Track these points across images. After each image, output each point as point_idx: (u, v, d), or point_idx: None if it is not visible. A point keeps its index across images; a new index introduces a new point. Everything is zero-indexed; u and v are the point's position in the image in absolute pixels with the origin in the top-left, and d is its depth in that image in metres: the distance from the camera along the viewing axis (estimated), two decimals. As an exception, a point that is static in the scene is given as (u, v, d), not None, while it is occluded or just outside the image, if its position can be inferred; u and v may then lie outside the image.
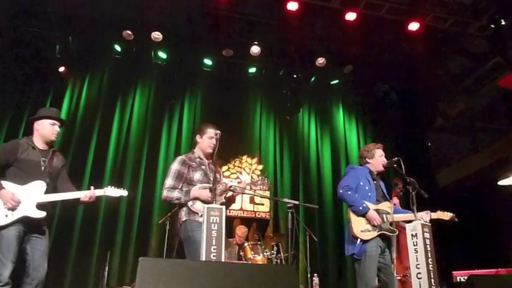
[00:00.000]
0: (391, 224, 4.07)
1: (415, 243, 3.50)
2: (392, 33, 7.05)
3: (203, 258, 3.06)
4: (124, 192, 3.95)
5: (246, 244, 6.32)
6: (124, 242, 7.08)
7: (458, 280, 4.98)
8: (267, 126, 8.77)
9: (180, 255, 3.74)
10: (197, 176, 3.80)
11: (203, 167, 3.87)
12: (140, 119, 7.99)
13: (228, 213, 5.50)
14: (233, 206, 6.43)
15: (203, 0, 6.72)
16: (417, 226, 3.54)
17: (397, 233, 4.16)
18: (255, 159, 8.41)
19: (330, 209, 8.21)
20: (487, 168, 7.06)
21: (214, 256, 3.07)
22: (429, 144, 8.30)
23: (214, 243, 3.11)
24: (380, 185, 4.35)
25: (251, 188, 7.02)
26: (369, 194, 4.14)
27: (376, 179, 4.30)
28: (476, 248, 6.23)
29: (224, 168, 8.04)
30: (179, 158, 3.92)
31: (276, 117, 8.86)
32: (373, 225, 3.98)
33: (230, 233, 6.72)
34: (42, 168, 3.61)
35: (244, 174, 8.25)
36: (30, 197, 3.49)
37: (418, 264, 3.42)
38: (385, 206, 4.16)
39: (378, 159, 4.29)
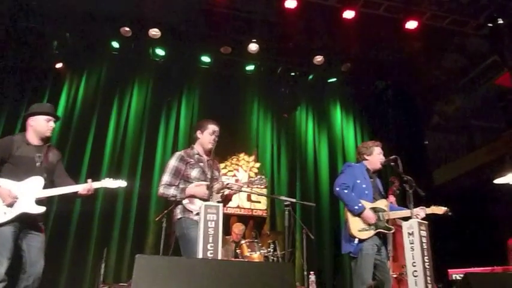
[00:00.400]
0: (387, 221, 4.09)
1: (411, 242, 3.50)
2: (390, 32, 7.05)
3: (200, 255, 3.05)
4: (122, 183, 3.88)
5: (242, 242, 6.31)
6: (121, 239, 7.08)
7: (454, 278, 5.00)
8: (265, 123, 8.77)
9: (177, 253, 3.73)
10: (194, 173, 3.78)
11: (201, 164, 3.85)
12: (137, 116, 7.98)
13: (225, 211, 5.49)
14: (230, 204, 6.44)
15: (201, -3, 6.72)
16: (414, 224, 3.55)
17: (393, 230, 4.17)
18: (252, 157, 8.41)
19: (326, 207, 8.22)
20: (483, 167, 7.08)
21: (211, 254, 3.06)
22: (426, 142, 8.31)
23: (211, 241, 3.09)
24: (377, 183, 4.35)
25: (248, 187, 7.01)
26: (366, 191, 4.14)
27: (372, 177, 4.30)
28: (472, 246, 6.26)
29: (221, 165, 8.02)
30: (177, 154, 3.89)
31: (273, 114, 8.85)
32: (369, 224, 4.00)
33: (227, 230, 6.72)
34: (38, 164, 3.59)
35: (241, 171, 8.25)
36: (28, 193, 3.48)
37: (414, 262, 3.42)
38: (381, 203, 4.17)
39: (376, 156, 4.30)
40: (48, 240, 6.09)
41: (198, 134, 3.97)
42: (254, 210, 8.03)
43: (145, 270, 2.24)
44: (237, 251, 6.28)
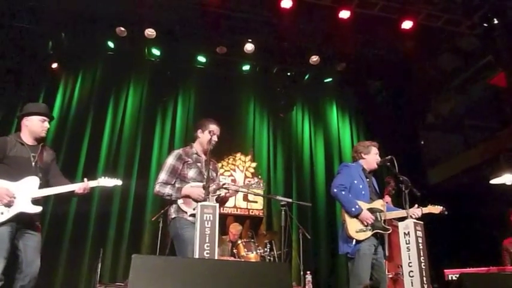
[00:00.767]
0: (384, 222, 4.10)
1: (407, 242, 3.52)
2: (386, 31, 7.07)
3: (196, 255, 3.06)
4: (118, 182, 3.89)
5: (239, 241, 6.32)
6: (117, 239, 7.07)
7: (449, 278, 5.01)
8: (261, 123, 8.77)
9: (174, 253, 3.73)
10: (191, 173, 3.77)
11: (199, 164, 3.84)
12: (133, 116, 7.97)
13: (222, 211, 5.49)
14: (227, 204, 6.43)
15: (197, -3, 6.71)
16: (410, 224, 3.56)
17: (390, 230, 4.18)
18: (249, 157, 8.41)
19: (322, 207, 8.24)
20: (478, 167, 7.11)
21: (207, 253, 3.07)
22: (422, 142, 8.34)
23: (207, 241, 3.11)
24: (373, 182, 4.37)
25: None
26: (363, 192, 4.16)
27: (368, 177, 4.32)
28: (468, 246, 6.28)
29: (218, 165, 8.03)
30: (175, 152, 3.88)
31: (269, 114, 8.86)
32: (366, 225, 4.01)
33: (223, 230, 6.72)
34: (33, 163, 3.58)
35: (238, 171, 8.24)
36: (24, 193, 3.47)
37: (410, 263, 3.43)
38: (378, 204, 4.19)
39: (373, 156, 4.32)
40: (44, 240, 6.02)
41: (199, 133, 3.95)
42: (251, 210, 8.03)
43: (141, 270, 2.24)
44: (234, 250, 6.29)
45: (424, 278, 3.34)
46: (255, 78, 8.61)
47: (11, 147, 3.54)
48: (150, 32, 7.24)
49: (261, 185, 4.08)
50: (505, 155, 6.48)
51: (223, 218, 7.22)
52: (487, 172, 6.55)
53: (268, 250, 6.26)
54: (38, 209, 3.50)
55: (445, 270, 5.07)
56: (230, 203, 7.71)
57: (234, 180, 8.05)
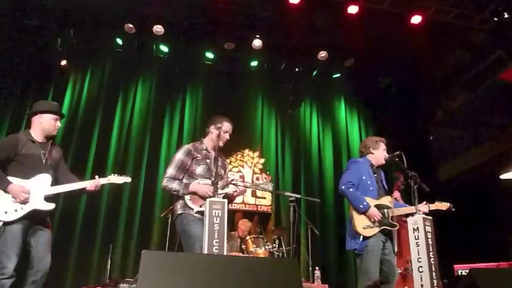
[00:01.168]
0: (391, 218, 4.11)
1: (416, 237, 3.51)
2: (395, 27, 7.01)
3: (205, 251, 3.07)
4: (127, 179, 3.95)
5: (247, 237, 6.32)
6: (126, 235, 7.13)
7: (459, 273, 4.99)
8: (269, 119, 8.77)
9: (183, 249, 3.74)
10: (199, 170, 3.77)
11: (208, 160, 3.83)
12: (142, 113, 8.01)
13: (230, 207, 5.51)
14: (235, 199, 6.45)
15: (205, -6, 6.71)
16: (419, 220, 3.55)
17: (398, 227, 4.19)
18: (257, 153, 8.42)
19: (331, 203, 8.23)
20: (488, 162, 7.04)
21: (216, 249, 3.08)
22: (431, 138, 8.28)
23: (216, 237, 3.11)
24: (381, 178, 4.38)
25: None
26: (371, 188, 4.17)
27: (376, 172, 4.33)
28: (477, 241, 6.24)
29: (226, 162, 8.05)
30: (185, 148, 3.87)
31: (277, 110, 8.86)
32: (374, 221, 4.03)
33: (232, 226, 6.75)
34: (44, 161, 3.61)
35: (246, 168, 8.26)
36: (37, 190, 3.50)
37: (420, 258, 3.42)
38: (385, 200, 4.20)
39: (381, 152, 4.33)
40: (55, 237, 6.13)
41: (212, 128, 3.93)
42: (259, 206, 8.05)
43: (151, 265, 2.24)
44: (243, 246, 6.30)
45: (434, 274, 3.33)
46: (263, 74, 8.59)
47: (23, 145, 3.56)
48: (158, 29, 7.26)
49: (269, 184, 4.07)
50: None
51: (232, 214, 7.25)
52: (497, 168, 6.48)
53: (276, 246, 6.26)
54: (51, 206, 3.54)
55: (455, 266, 5.05)
56: (238, 199, 7.72)
57: (242, 177, 8.06)
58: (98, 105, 7.79)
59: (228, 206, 3.27)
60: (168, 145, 7.88)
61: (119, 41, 7.69)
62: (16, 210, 3.39)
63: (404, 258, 5.20)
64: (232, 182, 3.89)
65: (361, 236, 4.02)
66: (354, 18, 6.68)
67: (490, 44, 6.97)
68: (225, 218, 3.19)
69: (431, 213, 4.01)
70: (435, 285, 3.29)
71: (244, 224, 6.71)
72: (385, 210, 4.10)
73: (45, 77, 7.49)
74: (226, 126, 3.92)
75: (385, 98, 8.76)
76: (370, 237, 4.01)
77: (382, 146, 4.36)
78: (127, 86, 8.11)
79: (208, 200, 3.24)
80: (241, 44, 7.71)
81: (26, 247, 3.44)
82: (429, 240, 3.48)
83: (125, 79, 8.12)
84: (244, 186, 4.08)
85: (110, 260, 6.25)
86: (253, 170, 8.28)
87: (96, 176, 3.79)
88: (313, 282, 6.14)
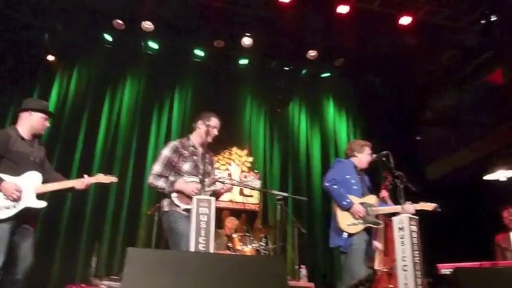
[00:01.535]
0: (376, 216, 4.18)
1: (401, 236, 3.52)
2: (385, 27, 7.05)
3: (192, 249, 3.05)
4: (114, 179, 3.96)
5: (234, 235, 6.33)
6: (112, 233, 7.07)
7: (443, 273, 5.04)
8: (257, 118, 8.76)
9: (169, 246, 3.72)
10: (186, 167, 3.74)
11: (195, 157, 3.80)
12: (130, 110, 7.94)
13: (217, 205, 5.49)
14: (222, 197, 6.44)
15: (195, -9, 6.68)
16: (404, 219, 3.57)
17: (382, 225, 4.30)
18: (245, 151, 8.42)
19: (318, 202, 8.25)
20: (474, 163, 7.13)
21: (203, 247, 3.06)
22: (418, 138, 8.36)
23: (203, 234, 3.10)
24: (364, 180, 4.48)
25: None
26: (355, 187, 4.27)
27: (360, 174, 4.43)
28: (461, 241, 6.31)
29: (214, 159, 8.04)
30: (171, 144, 3.83)
31: (266, 109, 8.85)
32: (358, 218, 4.11)
33: (219, 224, 6.73)
34: (32, 158, 3.58)
35: (234, 166, 8.25)
36: (29, 188, 3.47)
37: (404, 257, 3.44)
38: (370, 199, 4.29)
39: (366, 156, 4.45)
40: (40, 234, 6.10)
41: (199, 124, 3.90)
42: (246, 204, 8.05)
43: (136, 263, 2.23)
44: (229, 244, 6.30)
45: (418, 272, 3.35)
46: (252, 73, 8.57)
47: (13, 142, 3.51)
48: (147, 25, 7.21)
49: (257, 182, 4.08)
50: (500, 152, 6.50)
51: (219, 211, 7.21)
52: (483, 168, 6.57)
53: (263, 244, 6.27)
54: (43, 204, 3.53)
55: (439, 265, 5.10)
56: (226, 197, 7.72)
57: (230, 175, 8.05)
58: (85, 101, 7.70)
59: (215, 203, 3.26)
60: (156, 142, 7.83)
61: (108, 37, 7.62)
62: (8, 208, 3.35)
63: (390, 256, 5.23)
64: (219, 180, 3.87)
65: (345, 233, 4.12)
66: (345, 18, 6.70)
67: (479, 46, 7.05)
68: (212, 216, 3.17)
69: (417, 213, 4.05)
70: (419, 284, 3.31)
71: (231, 222, 6.70)
72: (369, 209, 4.19)
73: (32, 72, 7.38)
74: (214, 121, 3.90)
75: (373, 97, 8.80)
76: (354, 234, 4.11)
77: (367, 151, 4.47)
78: (115, 82, 8.02)
79: (195, 197, 3.22)
80: (231, 42, 7.70)
81: (12, 245, 3.39)
82: (414, 239, 3.49)
83: (113, 76, 8.03)
84: (231, 184, 4.07)
85: (95, 257, 6.20)
86: (241, 168, 8.28)
87: (85, 175, 3.79)
88: (299, 280, 6.16)
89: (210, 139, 3.82)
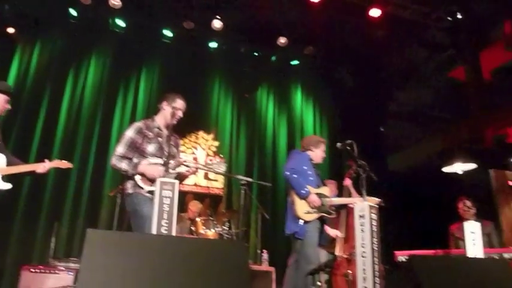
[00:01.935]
0: (329, 207, 4.47)
1: (362, 224, 3.54)
2: (355, 17, 7.10)
3: (154, 231, 3.01)
4: (70, 165, 4.09)
5: (198, 219, 6.31)
6: (73, 214, 6.91)
7: (399, 260, 5.19)
8: (225, 102, 8.70)
9: (131, 229, 3.67)
10: (150, 148, 3.65)
11: (160, 139, 3.72)
12: (94, 89, 7.70)
13: (181, 188, 5.45)
14: (187, 181, 6.39)
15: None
16: (365, 207, 3.63)
17: (334, 215, 4.57)
18: (211, 135, 8.37)
19: (283, 188, 8.28)
20: (434, 156, 7.36)
21: (165, 230, 3.03)
22: (382, 129, 8.53)
23: (165, 217, 3.06)
24: (318, 173, 4.72)
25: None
26: (311, 178, 4.50)
27: (315, 167, 4.66)
28: (418, 230, 6.53)
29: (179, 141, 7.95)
30: (136, 125, 3.74)
31: (234, 94, 8.79)
32: (313, 207, 4.35)
33: (182, 207, 6.69)
34: None
35: (200, 150, 8.19)
36: None
37: (364, 244, 3.46)
38: (324, 190, 4.56)
39: (320, 152, 4.71)
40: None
41: (164, 105, 3.82)
42: (211, 188, 8.03)
43: (96, 245, 2.18)
44: (192, 228, 6.27)
45: (376, 259, 3.39)
46: (221, 57, 8.48)
47: None
48: (115, 2, 6.97)
49: (223, 165, 4.07)
50: (459, 146, 6.73)
51: (183, 195, 7.16)
52: (442, 161, 6.80)
53: (226, 228, 6.29)
54: (9, 185, 3.53)
55: (395, 252, 5.25)
56: (190, 180, 7.67)
57: (195, 158, 7.99)
58: (47, 79, 7.38)
59: (179, 187, 3.22)
60: (120, 123, 7.65)
61: (73, 12, 7.34)
62: None
63: (350, 243, 5.35)
64: (184, 163, 3.82)
65: (301, 220, 4.33)
66: (316, 6, 6.72)
67: (443, 43, 7.23)
68: (175, 199, 3.13)
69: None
70: (376, 270, 3.36)
71: (194, 206, 6.68)
72: (324, 199, 4.44)
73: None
74: (180, 103, 3.83)
75: (341, 87, 8.90)
76: (310, 222, 4.34)
77: (322, 147, 4.73)
78: (79, 60, 7.73)
79: (158, 180, 3.16)
80: (201, 24, 7.58)
81: None
82: (374, 227, 3.51)
83: (77, 53, 7.73)
84: (196, 168, 4.03)
85: (54, 239, 6.05)
86: (207, 152, 8.23)
87: (46, 160, 3.81)
88: (261, 264, 6.22)
89: (175, 121, 3.79)
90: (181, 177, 3.75)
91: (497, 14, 6.65)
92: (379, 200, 4.40)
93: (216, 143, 8.35)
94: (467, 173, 6.72)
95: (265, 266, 6.11)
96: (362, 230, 3.54)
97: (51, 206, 6.80)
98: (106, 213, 6.98)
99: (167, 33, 7.89)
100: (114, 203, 6.08)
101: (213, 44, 8.19)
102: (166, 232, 3.01)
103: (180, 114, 3.82)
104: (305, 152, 4.69)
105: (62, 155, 6.81)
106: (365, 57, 8.15)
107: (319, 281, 4.96)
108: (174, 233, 3.09)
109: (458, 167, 6.64)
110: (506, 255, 4.67)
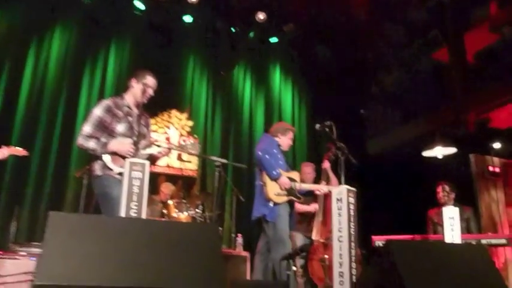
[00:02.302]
0: (298, 191, 4.59)
1: (339, 208, 3.51)
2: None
3: (123, 214, 2.91)
4: (25, 152, 4.33)
5: (170, 202, 6.22)
6: (35, 197, 6.55)
7: (377, 245, 5.16)
8: (200, 80, 8.41)
9: (99, 212, 3.54)
10: (120, 128, 3.51)
11: (130, 118, 3.58)
12: (59, 63, 7.21)
13: (154, 170, 5.23)
14: (159, 162, 6.18)
15: None
16: (343, 191, 3.56)
17: (302, 199, 4.69)
18: (185, 115, 8.09)
19: (259, 170, 8.17)
20: (415, 140, 7.32)
21: (134, 212, 2.95)
22: (362, 111, 8.46)
23: (135, 200, 2.98)
24: (286, 160, 4.84)
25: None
26: (280, 162, 4.61)
27: (282, 152, 4.77)
28: (396, 215, 6.52)
29: (151, 121, 7.64)
30: (104, 103, 3.57)
31: (210, 71, 8.51)
32: (283, 190, 4.45)
33: (154, 189, 6.47)
34: None
35: (173, 129, 7.91)
36: None
37: (341, 228, 3.43)
38: (294, 174, 4.69)
39: (287, 140, 4.80)
40: None
41: (133, 82, 3.67)
42: (184, 170, 7.81)
43: (59, 228, 2.15)
44: (164, 211, 6.15)
45: (352, 243, 3.40)
46: (196, 31, 8.17)
47: None
48: (82, -31, 6.54)
49: (197, 146, 3.89)
50: (440, 130, 6.70)
51: (155, 177, 6.96)
52: (422, 145, 6.76)
53: (200, 211, 6.17)
54: None
55: (373, 237, 5.21)
56: (163, 161, 7.41)
57: (168, 138, 7.74)
58: (7, 51, 6.83)
59: (149, 168, 3.11)
60: (87, 100, 7.23)
61: (36, -22, 6.84)
62: None
63: (327, 228, 5.27)
64: (156, 143, 3.69)
65: (272, 202, 4.39)
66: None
67: (427, 23, 7.12)
68: (145, 181, 3.03)
69: (356, 184, 4.02)
70: (352, 254, 3.36)
71: (166, 188, 6.54)
72: (293, 183, 4.55)
73: None
74: (150, 80, 3.69)
75: (321, 68, 8.74)
76: (280, 204, 4.41)
77: (290, 135, 4.83)
78: (42, 32, 7.20)
79: (127, 160, 3.05)
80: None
81: None
82: (351, 211, 3.51)
83: (40, 24, 7.19)
84: (169, 148, 3.83)
85: (15, 222, 5.71)
86: (180, 132, 7.95)
87: (4, 146, 3.96)
88: (235, 249, 6.09)
89: (145, 99, 3.66)
90: (153, 159, 3.63)
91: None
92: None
93: (190, 123, 8.09)
94: (447, 158, 6.70)
95: (239, 251, 5.98)
96: (339, 214, 3.52)
97: (11, 188, 6.42)
98: (71, 196, 6.66)
99: (139, 5, 7.48)
100: (80, 185, 5.77)
101: (187, 18, 7.86)
102: (135, 215, 2.95)
103: (150, 92, 3.70)
104: (273, 138, 4.76)
105: (24, 134, 6.55)
106: (347, 37, 8.00)
107: (295, 266, 4.86)
108: (144, 216, 3.02)
109: (439, 151, 6.61)
110: (484, 241, 4.71)
